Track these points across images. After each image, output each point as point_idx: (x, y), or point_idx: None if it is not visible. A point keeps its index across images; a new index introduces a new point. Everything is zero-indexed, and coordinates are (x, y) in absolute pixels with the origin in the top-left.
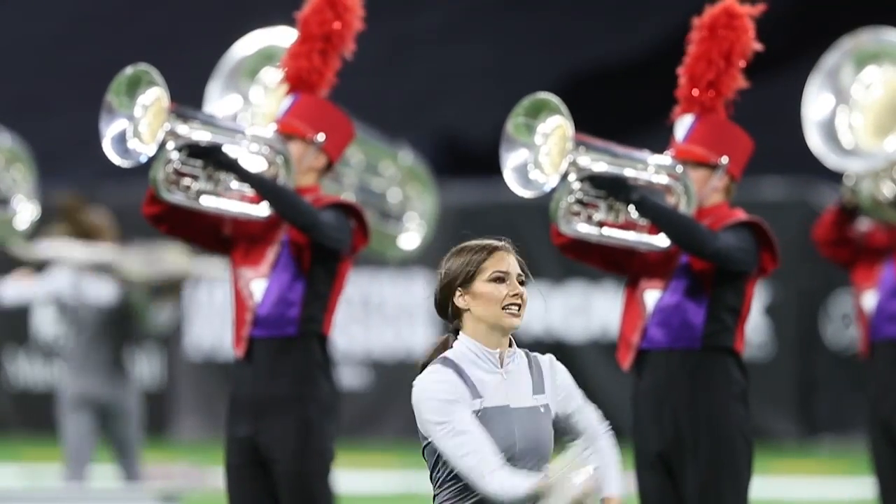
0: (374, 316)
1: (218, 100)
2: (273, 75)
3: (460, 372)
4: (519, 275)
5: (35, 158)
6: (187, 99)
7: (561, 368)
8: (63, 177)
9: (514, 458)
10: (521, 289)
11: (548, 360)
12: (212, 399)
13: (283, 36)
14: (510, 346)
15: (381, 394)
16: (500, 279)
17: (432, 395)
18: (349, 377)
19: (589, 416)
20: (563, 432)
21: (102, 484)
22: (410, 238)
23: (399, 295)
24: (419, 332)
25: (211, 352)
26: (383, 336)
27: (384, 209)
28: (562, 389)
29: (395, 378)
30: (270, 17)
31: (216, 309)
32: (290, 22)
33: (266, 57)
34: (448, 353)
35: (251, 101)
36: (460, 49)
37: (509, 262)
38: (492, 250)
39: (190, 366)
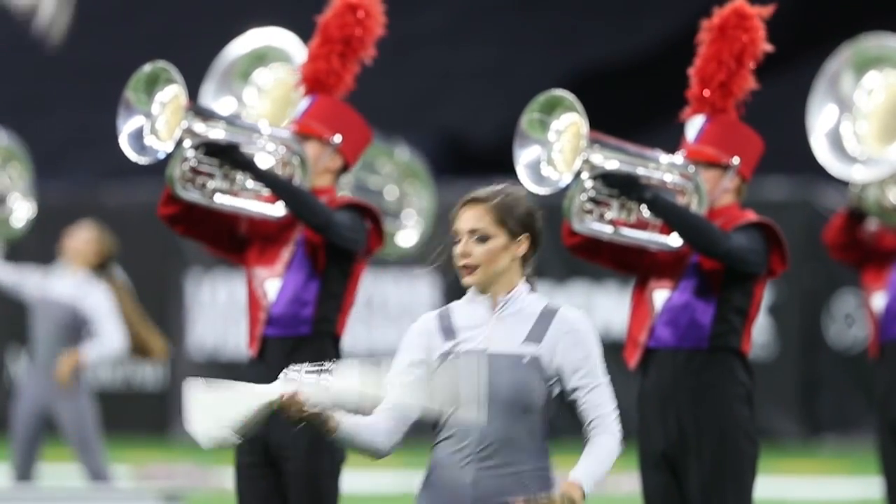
0: (377, 315)
1: (211, 102)
2: (266, 76)
3: (442, 315)
4: (473, 230)
5: (35, 158)
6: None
7: (580, 336)
8: (63, 177)
9: (482, 402)
10: (469, 248)
11: (567, 319)
12: None
13: (275, 36)
14: (510, 291)
15: None
16: (457, 239)
17: (407, 333)
18: None
19: (594, 404)
20: (572, 408)
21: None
22: (408, 235)
23: (402, 294)
24: None
25: (213, 351)
26: (386, 335)
27: (381, 206)
28: (565, 354)
29: None
30: (271, 17)
31: (219, 309)
32: (290, 22)
33: (258, 58)
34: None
35: (245, 102)
36: (463, 49)
37: (464, 219)
38: (458, 208)
39: (192, 365)
